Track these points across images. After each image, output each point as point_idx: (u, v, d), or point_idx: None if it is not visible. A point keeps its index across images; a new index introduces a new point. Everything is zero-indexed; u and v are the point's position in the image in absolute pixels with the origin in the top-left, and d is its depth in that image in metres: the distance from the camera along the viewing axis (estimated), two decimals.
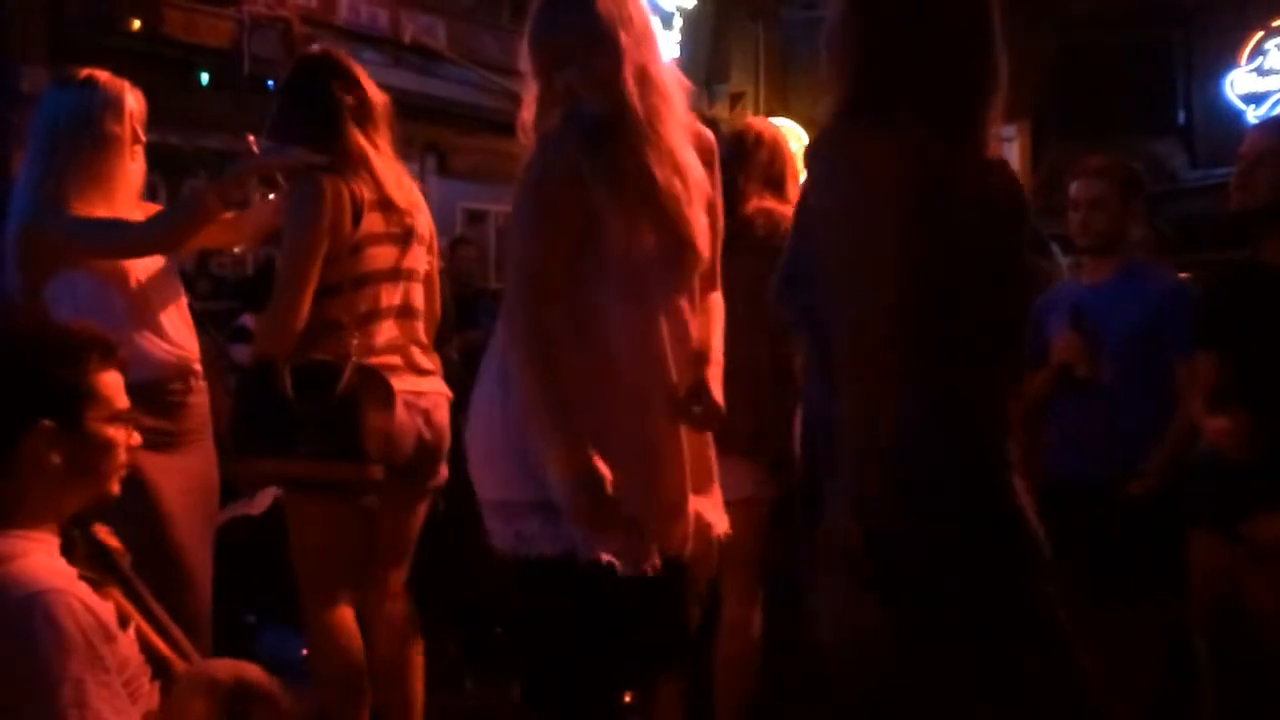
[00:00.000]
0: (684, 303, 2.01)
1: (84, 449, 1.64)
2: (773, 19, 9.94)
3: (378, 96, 2.57)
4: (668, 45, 8.65)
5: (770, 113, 9.84)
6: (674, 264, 1.96)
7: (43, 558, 1.59)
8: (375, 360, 2.43)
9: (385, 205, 2.48)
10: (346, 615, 2.48)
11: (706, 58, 9.29)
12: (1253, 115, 9.05)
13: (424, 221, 2.60)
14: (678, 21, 8.74)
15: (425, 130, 7.15)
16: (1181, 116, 9.63)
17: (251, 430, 2.40)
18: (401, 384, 2.46)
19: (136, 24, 4.95)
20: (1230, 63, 9.31)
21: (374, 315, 2.47)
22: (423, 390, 2.53)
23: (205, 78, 5.37)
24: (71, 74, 2.63)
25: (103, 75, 2.62)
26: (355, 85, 2.53)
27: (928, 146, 1.50)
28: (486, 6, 7.19)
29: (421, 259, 2.59)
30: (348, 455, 2.33)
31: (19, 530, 1.59)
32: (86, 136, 2.56)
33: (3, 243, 2.59)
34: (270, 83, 5.32)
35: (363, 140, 2.49)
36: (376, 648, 2.58)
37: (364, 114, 2.51)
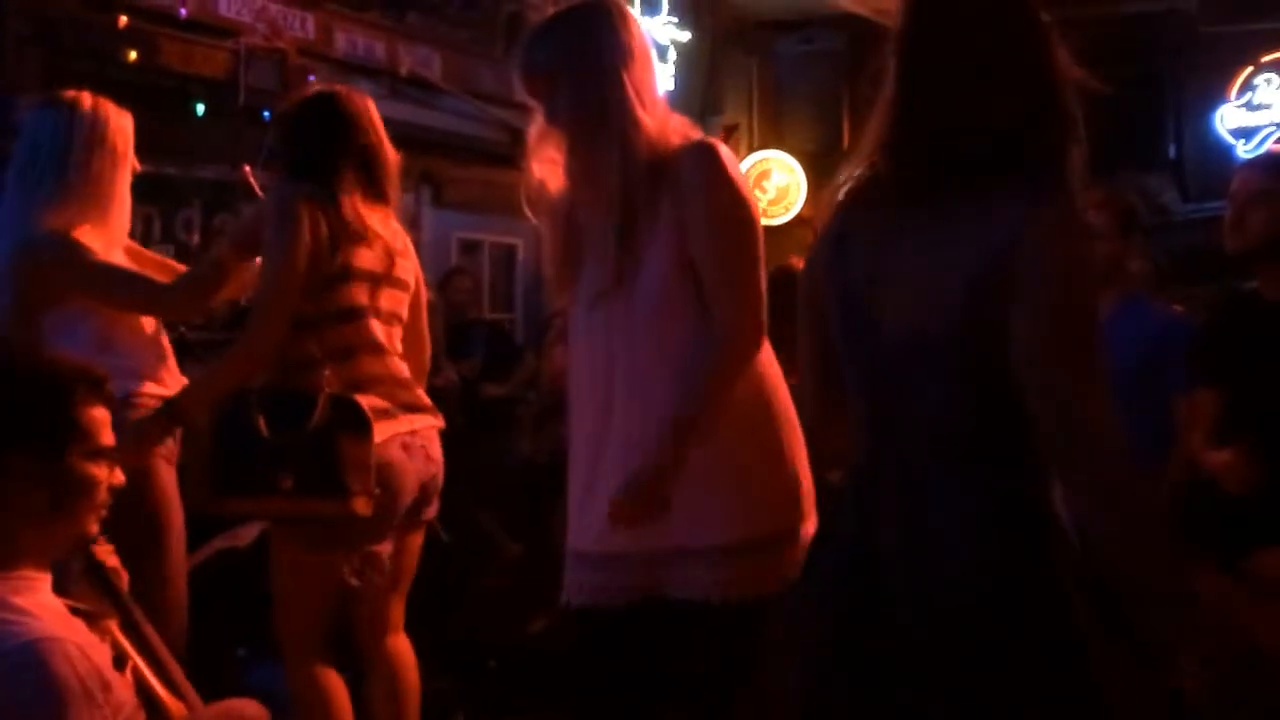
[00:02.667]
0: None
1: (65, 486, 1.57)
2: (767, 53, 10.01)
3: (391, 152, 2.55)
4: (662, 78, 8.70)
5: (763, 145, 9.90)
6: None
7: (39, 600, 1.54)
8: (359, 399, 2.36)
9: (366, 240, 2.43)
10: (326, 664, 2.45)
11: (701, 90, 9.32)
12: (1243, 150, 9.11)
13: (409, 268, 2.57)
14: (672, 54, 8.78)
15: (420, 161, 7.14)
16: (1172, 151, 9.69)
17: (229, 470, 2.35)
18: (396, 426, 2.41)
19: (133, 55, 4.95)
20: (1220, 98, 9.38)
21: (351, 350, 2.41)
22: (416, 428, 2.48)
23: (201, 108, 5.37)
24: (74, 96, 2.58)
25: (106, 100, 2.60)
26: (370, 131, 2.51)
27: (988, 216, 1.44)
28: (482, 39, 7.23)
29: (402, 304, 2.54)
30: (328, 491, 2.27)
31: (10, 571, 1.54)
32: (99, 156, 2.53)
33: None
34: (266, 114, 5.34)
35: (383, 178, 2.49)
36: (376, 682, 2.55)
37: (374, 159, 2.50)
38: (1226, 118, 9.39)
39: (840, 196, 1.59)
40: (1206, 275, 3.08)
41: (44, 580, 1.59)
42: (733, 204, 1.92)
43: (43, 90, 4.78)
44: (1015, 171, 1.43)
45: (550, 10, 1.98)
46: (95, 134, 2.54)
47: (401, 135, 8.04)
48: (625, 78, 1.91)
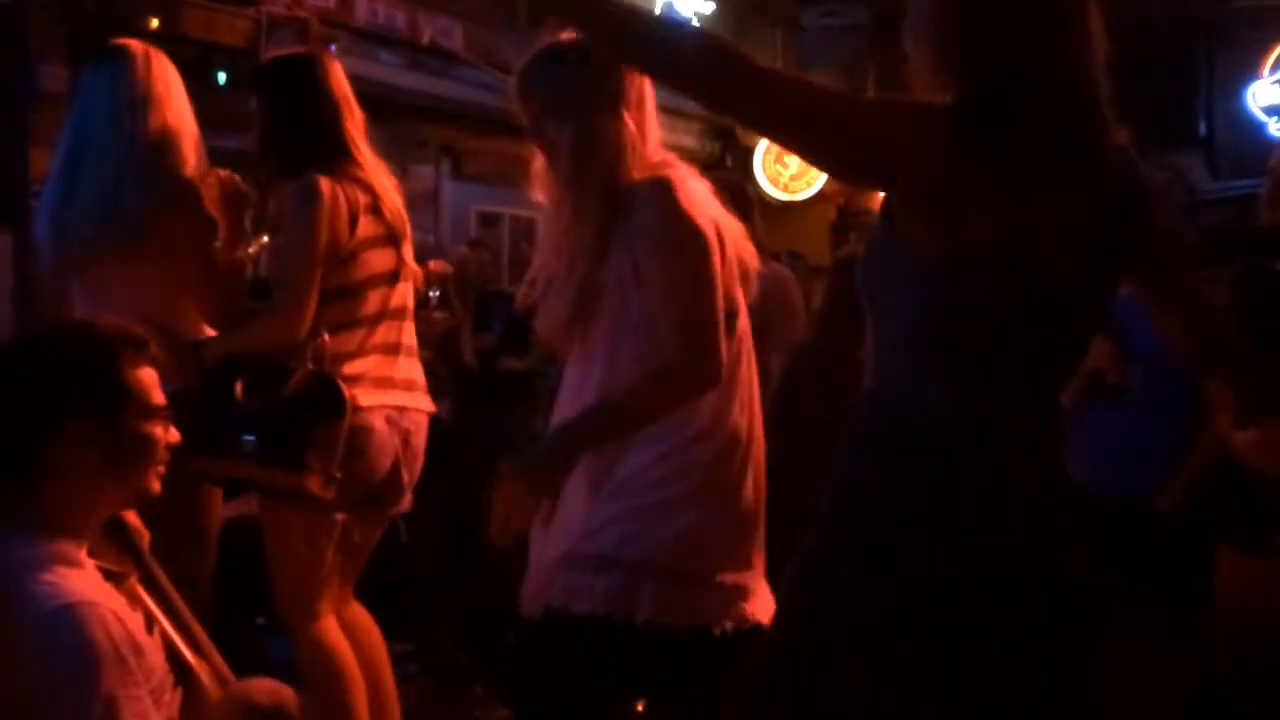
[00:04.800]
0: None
1: (122, 447, 1.59)
2: (791, 26, 9.94)
3: (359, 110, 2.50)
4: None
5: None
6: None
7: (78, 563, 1.55)
8: (361, 368, 2.37)
9: (377, 208, 2.42)
10: (330, 623, 2.46)
11: None
12: (1274, 127, 9.00)
13: (403, 217, 2.54)
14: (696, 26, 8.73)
15: (441, 133, 7.15)
16: (1203, 128, 9.59)
17: (198, 427, 2.31)
18: (386, 398, 2.40)
19: (155, 22, 4.96)
20: (1252, 74, 9.26)
21: (365, 321, 2.41)
22: (406, 406, 2.46)
23: (223, 77, 5.37)
24: (149, 46, 2.51)
25: None
26: (342, 86, 2.47)
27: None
28: (503, 9, 7.19)
29: (411, 258, 2.55)
30: (287, 462, 2.26)
31: (51, 534, 1.54)
32: (189, 108, 2.52)
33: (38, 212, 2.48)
34: None
35: (358, 138, 2.43)
36: None
37: (355, 120, 2.46)
38: (1258, 94, 9.26)
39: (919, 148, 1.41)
40: (1236, 254, 3.04)
41: (82, 546, 1.60)
42: (676, 241, 1.84)
43: (66, 57, 4.81)
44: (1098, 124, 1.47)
45: None
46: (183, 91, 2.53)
47: (421, 106, 8.08)
48: (627, 118, 1.88)
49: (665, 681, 1.92)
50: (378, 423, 2.38)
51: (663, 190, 1.85)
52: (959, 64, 1.44)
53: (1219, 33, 9.32)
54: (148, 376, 1.64)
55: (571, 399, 1.95)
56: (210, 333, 2.55)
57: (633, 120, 1.89)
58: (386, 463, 2.41)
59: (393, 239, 2.45)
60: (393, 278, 2.46)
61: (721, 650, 1.84)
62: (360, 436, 2.35)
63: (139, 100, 2.42)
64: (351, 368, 2.37)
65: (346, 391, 2.29)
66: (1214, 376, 1.73)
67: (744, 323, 1.96)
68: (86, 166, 2.41)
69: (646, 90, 1.94)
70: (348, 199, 2.36)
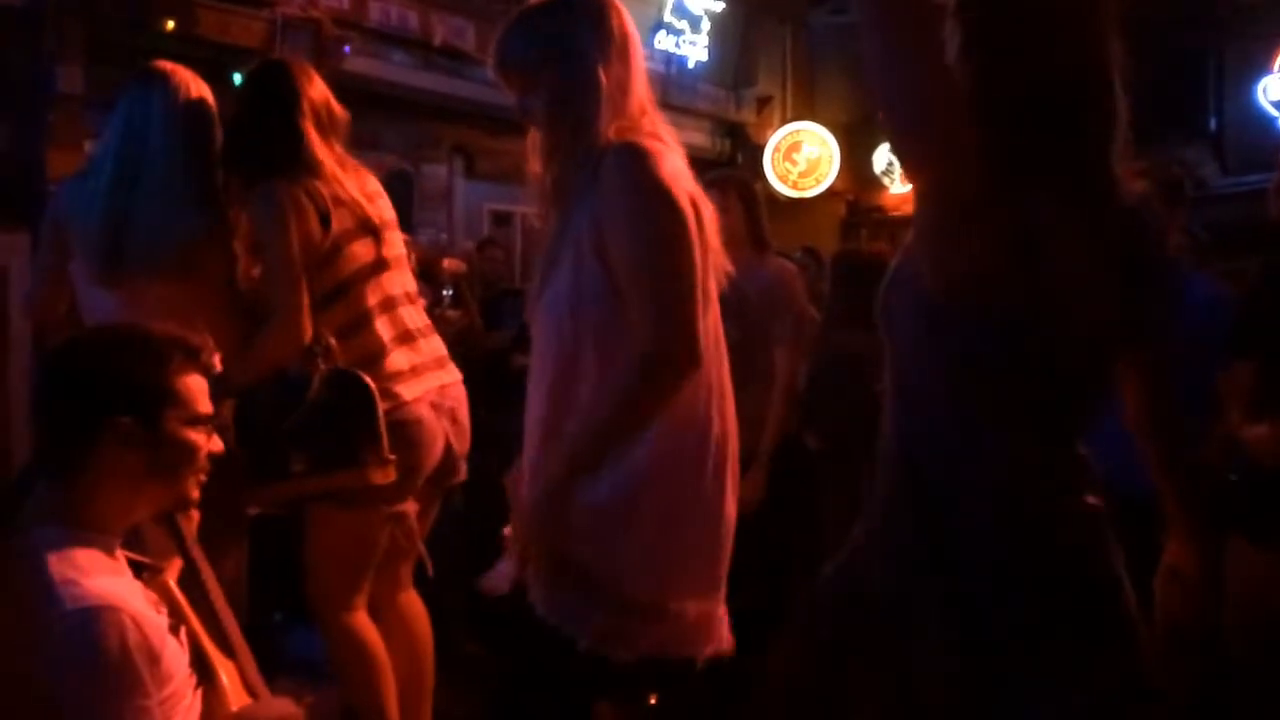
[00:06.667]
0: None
1: (163, 450, 1.60)
2: (800, 24, 9.94)
3: (338, 109, 2.54)
4: (696, 48, 8.65)
5: (797, 117, 9.83)
6: None
7: (105, 561, 1.56)
8: (392, 365, 2.40)
9: (342, 200, 2.43)
10: (363, 616, 2.50)
11: (734, 61, 9.27)
12: None
13: (387, 206, 2.56)
14: (705, 25, 8.73)
15: (453, 132, 7.16)
16: (1212, 123, 9.54)
17: (247, 457, 2.36)
18: (424, 384, 2.45)
19: (170, 24, 4.99)
20: (1262, 69, 9.21)
21: (370, 318, 2.43)
22: (445, 383, 2.52)
23: (238, 78, 5.39)
24: (190, 71, 2.56)
25: None
26: (319, 92, 2.51)
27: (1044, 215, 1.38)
28: (516, 9, 7.21)
29: (399, 243, 2.56)
30: (342, 464, 2.30)
31: (84, 531, 1.56)
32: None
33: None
34: None
35: (317, 140, 2.44)
36: (392, 638, 2.59)
37: (322, 120, 2.48)
38: (1269, 89, 9.22)
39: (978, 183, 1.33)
40: (1247, 249, 3.04)
41: (115, 540, 1.61)
42: (648, 210, 1.71)
43: (84, 59, 4.84)
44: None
45: None
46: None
47: (434, 105, 8.07)
48: (602, 80, 1.80)
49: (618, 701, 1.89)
50: (424, 412, 2.43)
51: (635, 156, 1.74)
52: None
53: (1229, 28, 9.28)
54: (195, 384, 1.65)
55: (535, 376, 1.87)
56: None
57: (613, 74, 1.81)
58: (439, 447, 2.49)
59: (368, 229, 2.46)
60: (376, 267, 2.47)
61: (673, 679, 1.80)
62: (411, 429, 2.40)
63: (194, 127, 2.46)
64: (384, 367, 2.40)
65: (366, 378, 2.33)
66: (1160, 450, 1.79)
67: (715, 316, 1.83)
68: (146, 186, 2.42)
69: (631, 44, 1.86)
70: (311, 196, 2.37)
